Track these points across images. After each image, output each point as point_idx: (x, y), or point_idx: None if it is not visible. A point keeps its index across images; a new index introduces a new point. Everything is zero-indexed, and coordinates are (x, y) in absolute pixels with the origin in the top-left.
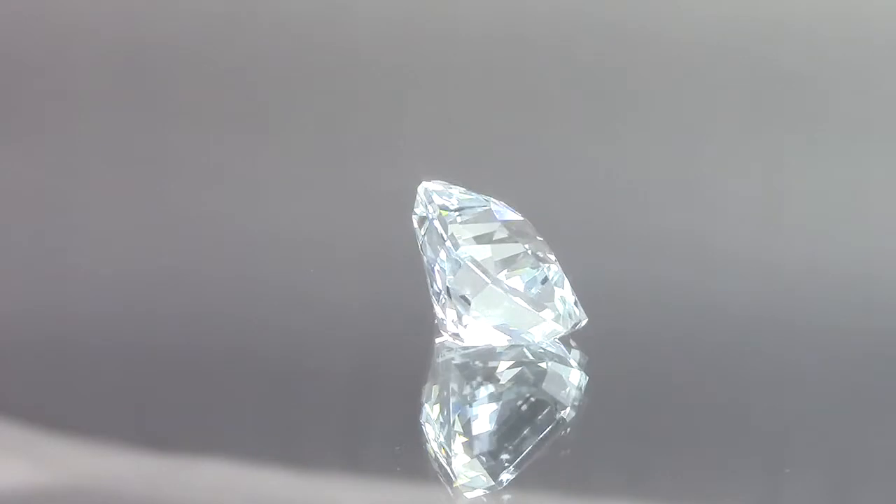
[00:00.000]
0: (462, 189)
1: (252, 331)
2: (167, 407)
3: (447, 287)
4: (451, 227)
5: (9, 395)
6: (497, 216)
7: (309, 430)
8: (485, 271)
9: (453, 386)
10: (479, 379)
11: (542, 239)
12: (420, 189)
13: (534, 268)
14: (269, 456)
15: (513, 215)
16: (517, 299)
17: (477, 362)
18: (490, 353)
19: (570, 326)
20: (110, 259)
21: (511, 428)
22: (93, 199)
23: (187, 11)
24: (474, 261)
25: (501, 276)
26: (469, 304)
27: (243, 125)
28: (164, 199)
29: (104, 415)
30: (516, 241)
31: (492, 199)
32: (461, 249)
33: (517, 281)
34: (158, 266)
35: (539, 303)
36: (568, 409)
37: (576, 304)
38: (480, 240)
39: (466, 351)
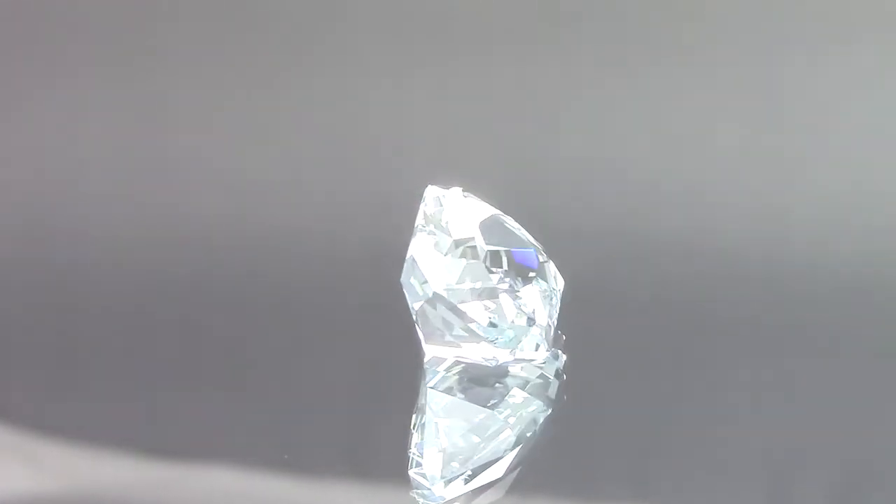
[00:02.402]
0: (477, 200)
1: (252, 335)
2: (166, 414)
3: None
4: (418, 237)
5: (11, 399)
6: (486, 240)
7: (309, 435)
8: (425, 288)
9: (423, 396)
10: (448, 393)
11: (545, 262)
12: (426, 192)
13: (492, 297)
14: (267, 462)
15: (512, 237)
16: (472, 325)
17: (451, 376)
18: (467, 370)
19: (529, 358)
20: (109, 258)
21: (464, 445)
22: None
23: None
24: (419, 275)
25: (449, 294)
26: (415, 318)
27: (245, 122)
28: (162, 203)
29: (107, 419)
30: (482, 266)
31: (501, 215)
32: (413, 261)
33: (469, 306)
34: (158, 274)
35: (493, 330)
36: (527, 433)
37: (544, 334)
38: (442, 255)
39: (445, 363)
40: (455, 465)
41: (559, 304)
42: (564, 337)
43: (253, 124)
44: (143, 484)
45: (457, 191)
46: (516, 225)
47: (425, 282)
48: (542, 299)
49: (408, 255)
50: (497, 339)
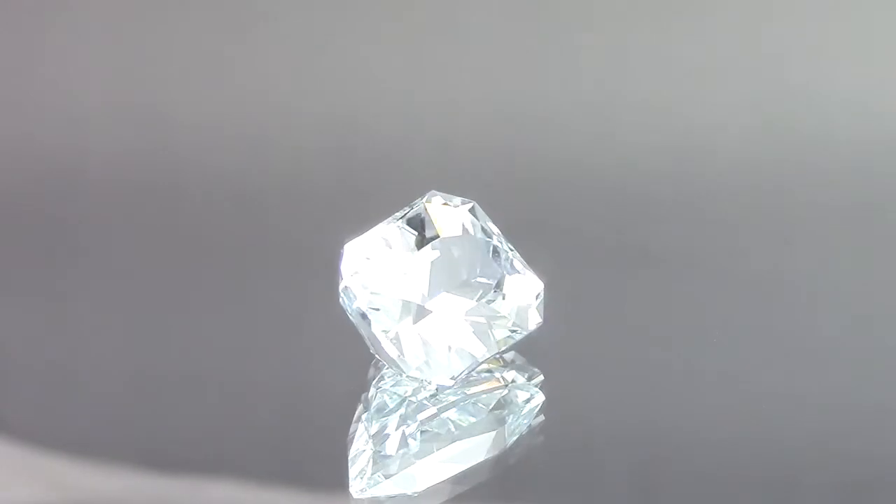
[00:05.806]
0: (473, 214)
1: (251, 347)
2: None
3: None
4: (365, 235)
5: (17, 414)
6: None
7: (305, 441)
8: (357, 294)
9: (367, 391)
10: (388, 395)
11: (534, 302)
12: (426, 196)
13: (419, 317)
14: (266, 472)
15: (498, 264)
16: (382, 342)
17: (394, 378)
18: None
19: (442, 384)
20: (107, 260)
21: (397, 446)
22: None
23: None
24: (341, 271)
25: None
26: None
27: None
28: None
29: (112, 434)
30: (406, 282)
31: (492, 237)
32: (341, 255)
33: (416, 324)
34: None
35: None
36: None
37: (465, 367)
38: (377, 259)
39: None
40: (384, 464)
41: (512, 343)
42: (542, 376)
43: (254, 122)
44: (143, 493)
45: (457, 201)
46: (505, 250)
47: (341, 278)
48: (474, 332)
49: (343, 248)
50: (406, 368)
